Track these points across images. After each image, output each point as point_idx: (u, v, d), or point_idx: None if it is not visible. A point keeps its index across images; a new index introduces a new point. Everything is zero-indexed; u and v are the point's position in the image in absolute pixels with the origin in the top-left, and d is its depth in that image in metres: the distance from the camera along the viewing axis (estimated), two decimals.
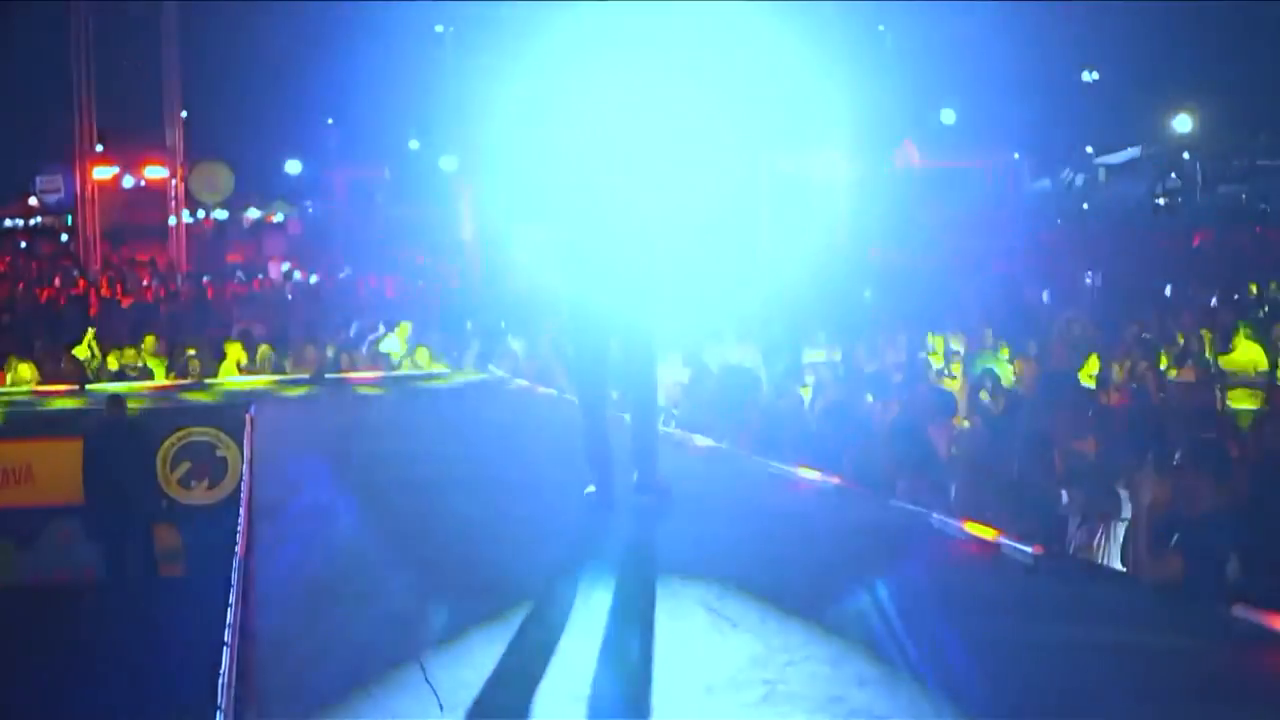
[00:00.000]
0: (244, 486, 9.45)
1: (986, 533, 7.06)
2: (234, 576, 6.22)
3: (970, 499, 10.12)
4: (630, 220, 8.27)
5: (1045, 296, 25.36)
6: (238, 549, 6.89)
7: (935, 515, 7.76)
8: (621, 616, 5.90)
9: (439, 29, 53.05)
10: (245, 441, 12.74)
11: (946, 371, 16.90)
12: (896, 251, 34.18)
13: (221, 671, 4.93)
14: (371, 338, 20.14)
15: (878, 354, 17.26)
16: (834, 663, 5.19)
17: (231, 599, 5.72)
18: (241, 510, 8.11)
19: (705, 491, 8.86)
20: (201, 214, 59.35)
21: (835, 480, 9.08)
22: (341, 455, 10.80)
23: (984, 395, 13.98)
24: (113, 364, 19.25)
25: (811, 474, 9.22)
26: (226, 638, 5.21)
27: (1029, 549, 6.61)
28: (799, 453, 12.07)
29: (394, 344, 19.98)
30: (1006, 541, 6.83)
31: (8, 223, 62.46)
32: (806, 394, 15.13)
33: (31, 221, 61.30)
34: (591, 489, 8.14)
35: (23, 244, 51.68)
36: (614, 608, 6.05)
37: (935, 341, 18.45)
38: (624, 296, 8.17)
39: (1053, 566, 6.66)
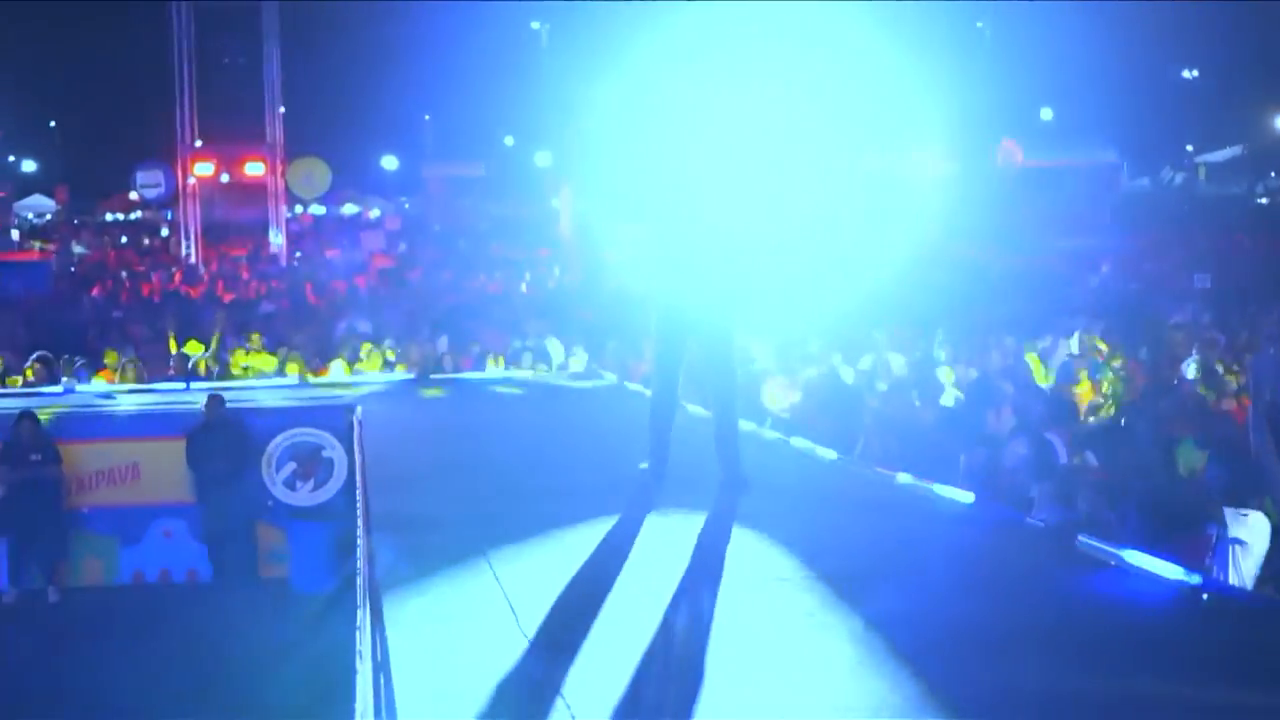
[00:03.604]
0: (358, 494, 9.32)
1: (1146, 561, 6.72)
2: (359, 595, 6.05)
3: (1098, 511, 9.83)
4: (718, 219, 8.55)
5: (1153, 298, 24.83)
6: (358, 561, 6.73)
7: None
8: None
9: (535, 25, 53.11)
10: (354, 444, 12.64)
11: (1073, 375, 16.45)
12: (997, 252, 33.70)
13: (356, 697, 4.77)
14: (526, 343, 19.84)
15: (983, 358, 16.87)
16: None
17: (360, 619, 5.56)
18: (359, 519, 7.96)
19: (794, 489, 8.93)
20: (299, 209, 59.95)
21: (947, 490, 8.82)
22: (446, 459, 10.70)
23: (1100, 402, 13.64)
24: (212, 362, 19.21)
25: (930, 484, 8.95)
26: (357, 663, 5.04)
27: (1192, 578, 6.30)
28: (914, 462, 11.83)
29: (556, 349, 19.68)
30: (1167, 573, 6.49)
31: (109, 217, 63.25)
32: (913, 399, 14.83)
33: (131, 216, 62.05)
34: (645, 465, 8.82)
35: (123, 238, 52.18)
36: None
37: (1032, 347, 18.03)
38: (706, 294, 8.56)
39: (1219, 601, 6.34)
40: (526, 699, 4.93)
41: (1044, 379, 16.01)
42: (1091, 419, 12.84)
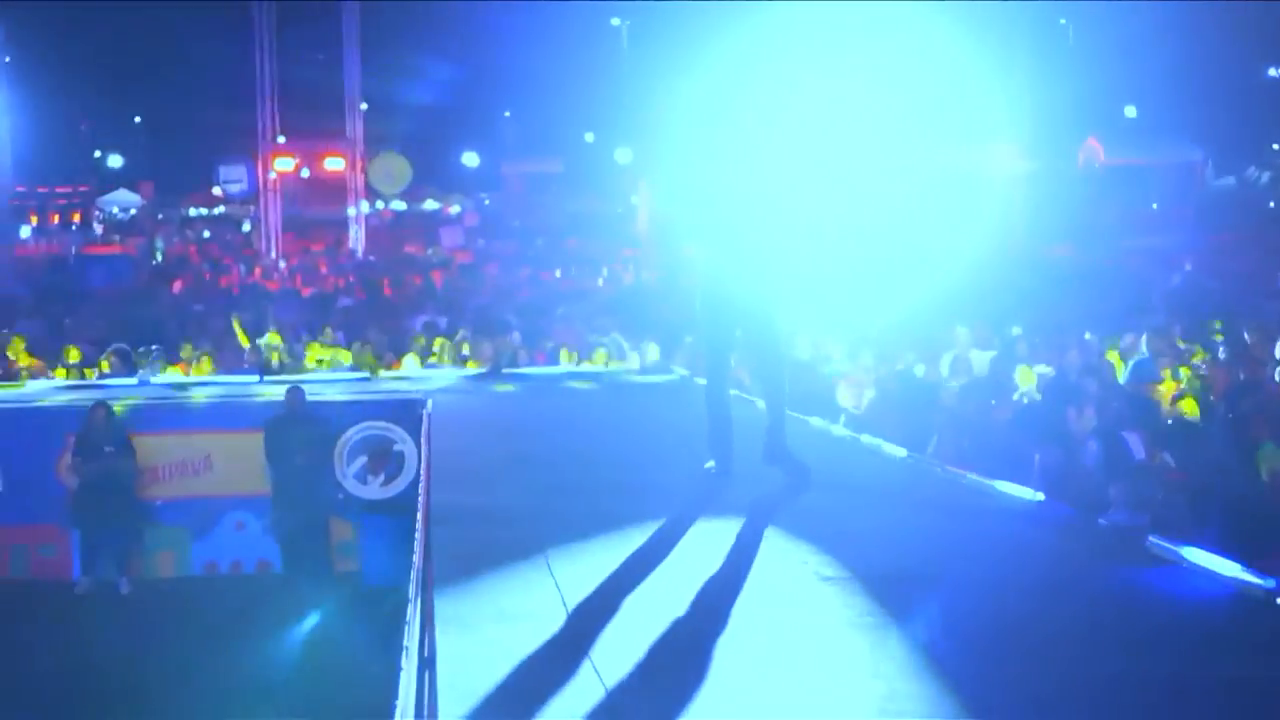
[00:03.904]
0: (421, 487, 9.24)
1: (1218, 563, 6.51)
2: (411, 589, 5.95)
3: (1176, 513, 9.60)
4: (777, 213, 8.69)
5: (1236, 297, 24.36)
6: (415, 557, 6.62)
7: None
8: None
9: (615, 22, 53.09)
10: (421, 438, 12.58)
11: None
12: (1079, 250, 33.28)
13: (399, 696, 4.66)
14: (600, 338, 19.74)
15: (1061, 356, 16.57)
16: None
17: (409, 614, 5.45)
18: (419, 514, 7.86)
19: (859, 487, 8.89)
20: (380, 205, 60.29)
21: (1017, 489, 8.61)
22: (512, 453, 10.62)
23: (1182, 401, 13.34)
24: (288, 355, 19.25)
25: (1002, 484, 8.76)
26: (403, 660, 4.93)
27: (1267, 581, 6.08)
28: (988, 461, 11.64)
29: (628, 345, 19.56)
30: (1241, 575, 6.27)
31: (192, 212, 63.86)
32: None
33: (215, 211, 62.63)
34: (711, 464, 8.86)
35: (205, 233, 52.66)
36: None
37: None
38: (751, 284, 8.67)
39: None
40: (570, 703, 4.80)
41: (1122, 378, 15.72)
42: (1169, 421, 12.54)
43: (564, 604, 5.95)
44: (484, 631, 5.49)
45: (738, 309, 8.82)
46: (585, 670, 5.07)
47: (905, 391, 14.82)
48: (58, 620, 14.65)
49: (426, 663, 5.02)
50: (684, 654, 5.27)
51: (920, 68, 34.00)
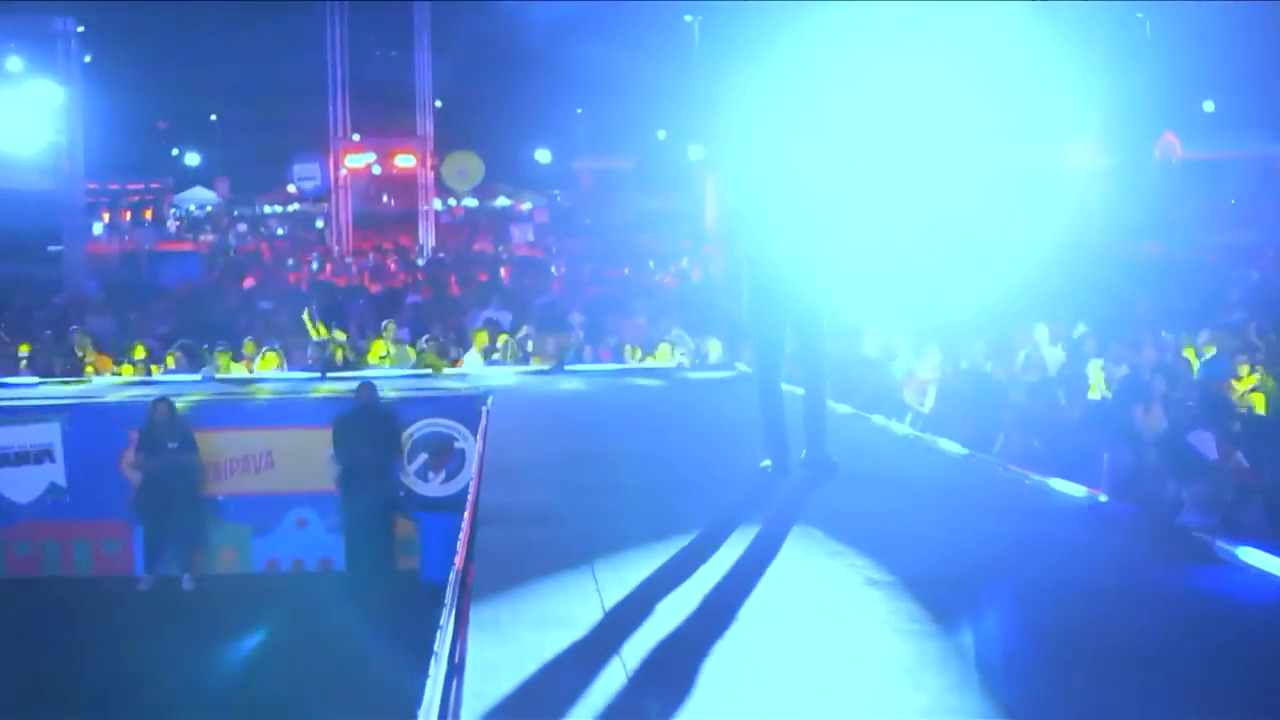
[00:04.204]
0: (472, 485, 9.13)
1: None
2: (449, 592, 5.81)
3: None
4: (835, 209, 8.69)
5: None
6: (456, 559, 6.50)
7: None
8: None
9: (688, 19, 52.93)
10: (478, 435, 12.48)
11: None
12: (1156, 245, 32.76)
13: (422, 703, 4.53)
14: (665, 335, 19.52)
15: (1135, 354, 16.23)
16: None
17: (442, 619, 5.32)
18: (466, 513, 7.73)
19: (917, 487, 8.68)
20: (452, 202, 60.48)
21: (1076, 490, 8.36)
22: (568, 450, 10.50)
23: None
24: (351, 351, 19.17)
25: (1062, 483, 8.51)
26: (431, 665, 4.80)
27: None
28: (1057, 460, 11.40)
29: (691, 341, 19.36)
30: None
31: (266, 209, 64.30)
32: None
33: (289, 208, 63.03)
34: (767, 463, 8.75)
35: (279, 230, 52.96)
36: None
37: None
38: (801, 282, 8.62)
39: None
40: (599, 712, 4.64)
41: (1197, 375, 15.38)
42: (1242, 421, 12.22)
43: (604, 608, 5.77)
44: (520, 637, 5.32)
45: (790, 304, 8.74)
46: (617, 678, 4.89)
47: (973, 389, 14.58)
48: (121, 616, 14.71)
49: (456, 669, 4.87)
50: (720, 662, 5.08)
51: (997, 63, 33.71)
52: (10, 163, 28.59)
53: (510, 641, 5.25)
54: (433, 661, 4.84)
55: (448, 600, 5.70)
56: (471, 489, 8.92)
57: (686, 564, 6.50)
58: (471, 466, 15.02)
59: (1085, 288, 24.06)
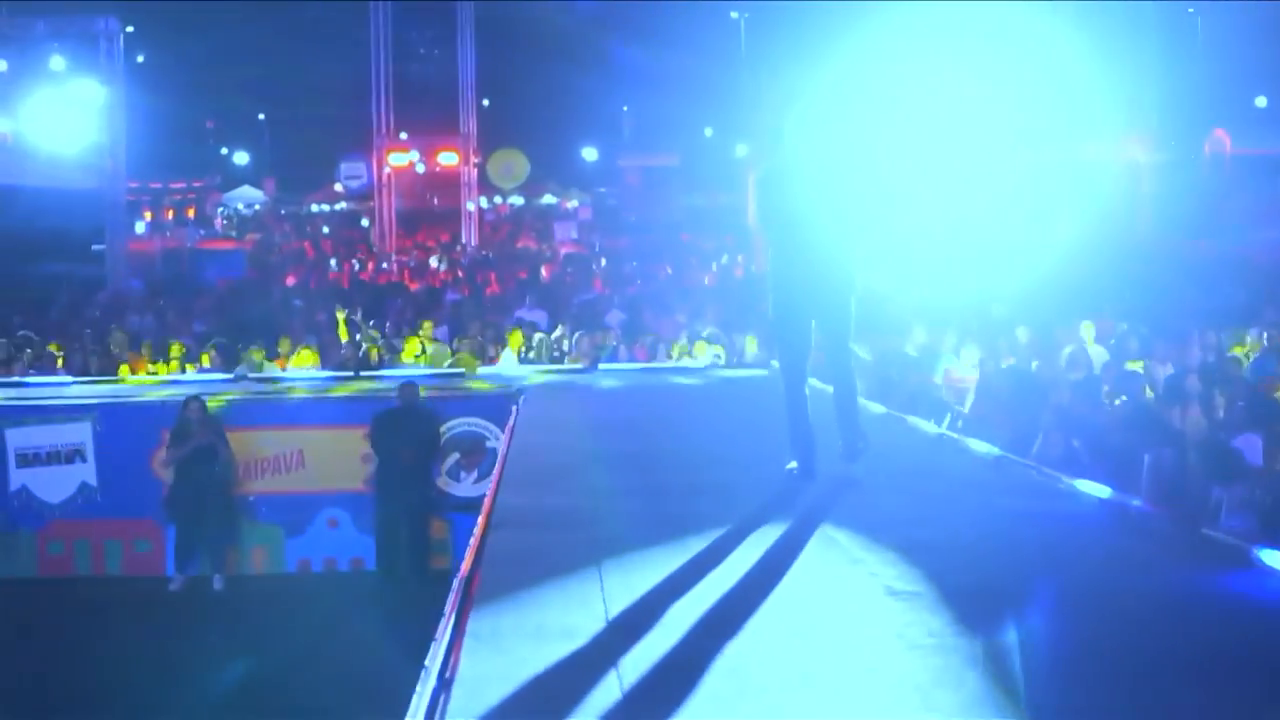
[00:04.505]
0: (490, 487, 8.93)
1: None
2: (450, 599, 5.61)
3: None
4: (869, 206, 8.55)
5: None
6: (463, 565, 6.29)
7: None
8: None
9: (734, 15, 52.66)
10: (504, 434, 12.30)
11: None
12: (1204, 243, 32.29)
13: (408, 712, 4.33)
14: (701, 333, 19.26)
15: (1182, 352, 15.88)
16: None
17: (438, 632, 5.11)
18: (480, 518, 7.53)
19: (946, 494, 8.37)
20: (498, 200, 60.41)
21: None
22: (594, 452, 10.35)
23: None
24: (386, 350, 18.99)
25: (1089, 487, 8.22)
26: (420, 677, 4.59)
27: None
28: (1097, 462, 11.14)
29: (721, 339, 19.10)
30: None
31: (314, 208, 64.38)
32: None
33: (336, 207, 63.09)
34: (793, 465, 8.62)
35: (325, 229, 53.02)
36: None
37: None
38: (827, 280, 8.46)
39: None
40: None
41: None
42: None
43: (607, 618, 5.53)
44: (516, 650, 5.08)
45: (815, 301, 8.56)
46: (612, 693, 4.65)
47: (1014, 388, 14.30)
48: (151, 617, 14.60)
49: (445, 684, 4.66)
50: (720, 678, 4.83)
51: (1047, 60, 33.39)
52: (55, 161, 28.66)
53: (505, 654, 5.02)
54: (422, 674, 4.64)
55: (448, 608, 5.49)
56: (490, 490, 8.72)
57: (698, 571, 6.25)
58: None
59: (1134, 285, 23.73)
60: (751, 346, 17.73)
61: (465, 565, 6.29)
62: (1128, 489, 10.77)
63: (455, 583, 5.97)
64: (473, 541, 6.87)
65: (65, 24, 29.17)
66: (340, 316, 20.59)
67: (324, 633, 13.80)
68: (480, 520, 7.44)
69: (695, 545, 6.73)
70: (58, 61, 29.17)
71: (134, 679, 12.77)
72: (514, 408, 13.61)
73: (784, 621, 5.58)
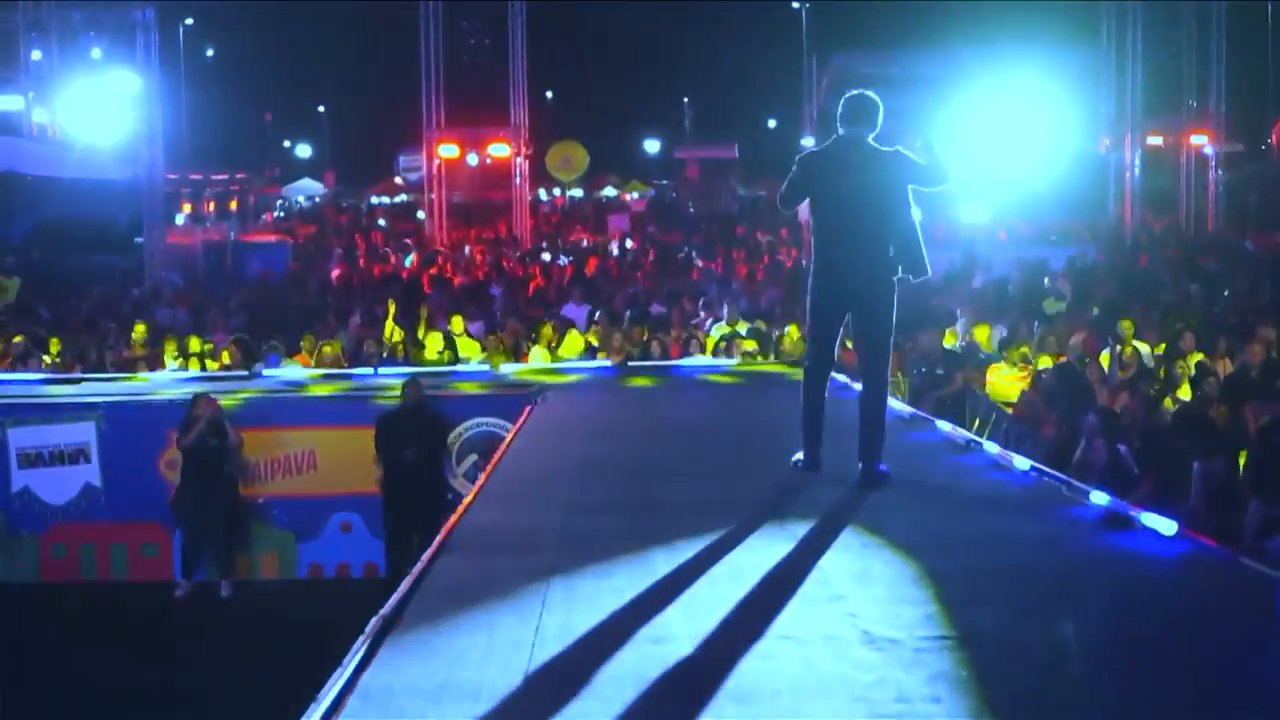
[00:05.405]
0: (464, 501, 8.18)
1: None
2: (356, 647, 4.84)
3: None
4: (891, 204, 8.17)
5: None
6: (391, 599, 5.52)
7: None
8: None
9: (795, 5, 52.06)
10: (509, 433, 11.59)
11: None
12: (1269, 237, 31.20)
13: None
14: (738, 328, 18.46)
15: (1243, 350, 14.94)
16: None
17: (329, 683, 4.35)
18: (435, 540, 6.76)
19: (967, 514, 7.64)
20: (556, 192, 59.94)
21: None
22: (600, 458, 9.68)
23: None
24: (408, 346, 18.27)
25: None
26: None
27: None
28: (1146, 467, 10.35)
29: (760, 335, 18.29)
30: None
31: (374, 200, 64.14)
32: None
33: (395, 199, 62.82)
34: (799, 457, 8.45)
35: (380, 221, 52.66)
36: None
37: None
38: (869, 266, 8.15)
39: None
40: None
41: None
42: None
43: (525, 674, 4.66)
44: (404, 713, 4.29)
45: (851, 289, 8.21)
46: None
47: (1061, 388, 13.51)
48: (155, 627, 13.99)
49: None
50: None
51: (1114, 51, 32.59)
52: (92, 152, 28.24)
53: (388, 719, 4.24)
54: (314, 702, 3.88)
55: (350, 654, 4.73)
56: (464, 503, 7.97)
57: (651, 608, 5.40)
58: None
59: (1196, 279, 22.93)
60: (791, 338, 16.92)
61: (393, 599, 5.51)
62: (1176, 497, 9.93)
63: (372, 622, 5.19)
64: (415, 569, 6.10)
65: (103, 14, 28.80)
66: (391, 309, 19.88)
67: (328, 643, 13.12)
68: (435, 541, 6.68)
69: (659, 570, 5.93)
70: (95, 52, 28.80)
71: (129, 695, 12.13)
72: (527, 409, 12.87)
73: (734, 676, 4.71)
